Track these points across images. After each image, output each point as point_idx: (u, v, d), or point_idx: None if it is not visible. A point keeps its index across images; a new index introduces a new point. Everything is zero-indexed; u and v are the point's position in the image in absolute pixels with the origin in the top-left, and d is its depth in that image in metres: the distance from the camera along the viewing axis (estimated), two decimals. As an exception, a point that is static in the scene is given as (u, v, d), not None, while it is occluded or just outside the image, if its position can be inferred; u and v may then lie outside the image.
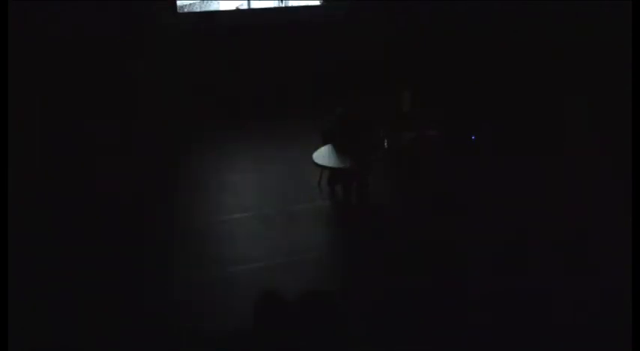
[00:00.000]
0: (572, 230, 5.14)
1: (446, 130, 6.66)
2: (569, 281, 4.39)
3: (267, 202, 6.10)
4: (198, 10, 8.99)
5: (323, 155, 6.01)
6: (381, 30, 9.32)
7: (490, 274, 4.56)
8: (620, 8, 6.20)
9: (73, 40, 7.76)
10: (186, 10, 8.89)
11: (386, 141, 6.34)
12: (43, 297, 4.44)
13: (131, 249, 5.23)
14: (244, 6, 9.19)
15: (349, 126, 6.20)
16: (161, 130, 7.89)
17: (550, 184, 6.04)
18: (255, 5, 9.22)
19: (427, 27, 8.87)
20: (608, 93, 6.88)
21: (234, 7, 9.19)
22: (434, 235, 5.22)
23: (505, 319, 4.05)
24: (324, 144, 6.23)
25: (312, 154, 6.03)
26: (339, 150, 6.07)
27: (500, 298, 4.25)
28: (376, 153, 6.13)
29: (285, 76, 9.08)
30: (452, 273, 4.63)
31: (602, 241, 4.91)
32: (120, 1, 8.10)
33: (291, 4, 9.43)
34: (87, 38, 7.84)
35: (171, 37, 8.20)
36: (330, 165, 5.91)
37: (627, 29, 4.31)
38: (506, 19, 8.02)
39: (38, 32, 7.47)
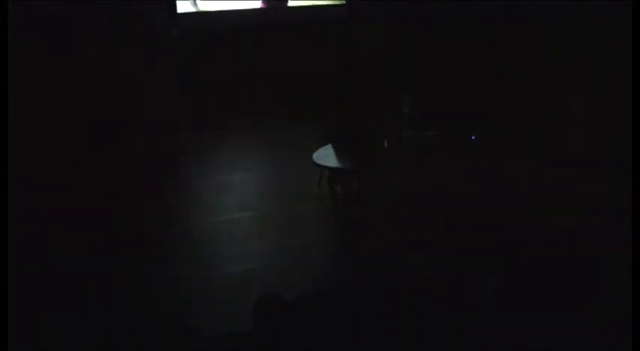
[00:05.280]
0: (573, 229, 5.14)
1: (446, 130, 6.65)
2: (569, 281, 4.39)
3: (267, 202, 6.09)
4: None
5: (323, 155, 6.00)
6: (381, 30, 9.31)
7: (491, 273, 4.56)
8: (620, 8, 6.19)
9: (70, 40, 7.73)
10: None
11: (386, 141, 6.34)
12: (41, 297, 4.43)
13: (130, 249, 5.22)
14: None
15: (349, 126, 6.20)
16: (160, 130, 7.87)
17: (550, 184, 6.03)
18: (255, 5, 9.23)
19: (428, 27, 8.86)
20: (608, 93, 6.88)
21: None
22: (434, 234, 5.21)
23: (505, 319, 4.05)
24: (324, 144, 6.23)
25: (312, 154, 6.03)
26: (339, 150, 6.06)
27: (502, 297, 4.25)
28: (376, 153, 6.13)
29: (285, 76, 9.07)
30: (452, 272, 4.63)
31: (603, 241, 4.91)
32: (119, 1, 8.08)
33: (291, 4, 9.44)
34: (85, 39, 7.82)
35: (171, 37, 8.18)
36: (330, 165, 5.90)
37: (627, 29, 4.31)
38: (506, 19, 8.02)
39: (35, 33, 7.45)
